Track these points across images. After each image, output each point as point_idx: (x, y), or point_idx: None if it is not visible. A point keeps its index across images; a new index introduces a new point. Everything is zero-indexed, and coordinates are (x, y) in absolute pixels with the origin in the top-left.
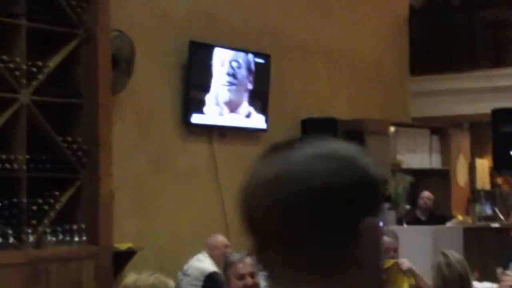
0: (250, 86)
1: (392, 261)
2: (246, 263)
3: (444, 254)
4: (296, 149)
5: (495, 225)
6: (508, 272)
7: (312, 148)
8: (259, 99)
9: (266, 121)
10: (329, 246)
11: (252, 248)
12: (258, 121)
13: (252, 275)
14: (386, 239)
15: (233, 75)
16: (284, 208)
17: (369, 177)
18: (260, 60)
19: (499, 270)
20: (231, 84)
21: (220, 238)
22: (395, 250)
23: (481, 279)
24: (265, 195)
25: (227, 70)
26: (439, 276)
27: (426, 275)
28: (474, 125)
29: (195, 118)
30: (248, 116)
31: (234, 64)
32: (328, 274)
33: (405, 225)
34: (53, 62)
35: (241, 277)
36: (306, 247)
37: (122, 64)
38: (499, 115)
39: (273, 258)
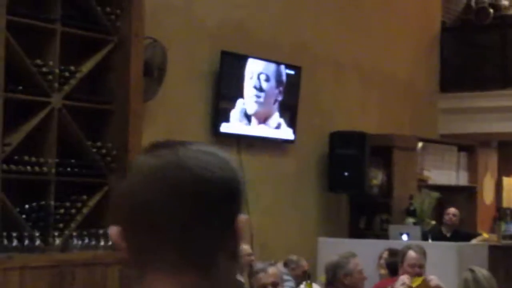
0: (279, 98)
1: (421, 278)
2: (268, 273)
3: (471, 270)
4: (180, 147)
5: None
6: None
7: (195, 146)
8: (288, 110)
9: (294, 132)
10: (210, 238)
11: (129, 246)
12: (286, 132)
13: (274, 284)
14: (413, 254)
15: (260, 87)
16: (170, 200)
17: (240, 180)
18: (291, 72)
19: None
20: (259, 95)
21: (244, 247)
22: (421, 266)
23: None
24: (151, 187)
25: (256, 81)
26: None
27: None
28: (502, 143)
29: (224, 128)
30: (277, 127)
31: (263, 76)
32: (205, 266)
33: (430, 241)
34: (86, 68)
35: (263, 287)
36: (186, 239)
37: (154, 71)
38: None
39: (151, 251)
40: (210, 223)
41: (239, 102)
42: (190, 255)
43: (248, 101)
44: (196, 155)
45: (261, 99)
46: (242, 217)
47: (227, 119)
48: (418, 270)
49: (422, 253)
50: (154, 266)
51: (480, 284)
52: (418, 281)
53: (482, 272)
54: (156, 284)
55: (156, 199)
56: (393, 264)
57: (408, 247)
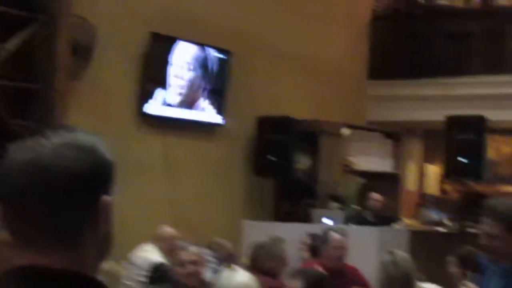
0: (209, 81)
1: None
2: (189, 251)
3: (390, 253)
4: (47, 137)
5: (442, 229)
6: (466, 282)
7: (60, 137)
8: (217, 94)
9: (222, 116)
10: (73, 220)
11: (5, 227)
12: (214, 116)
13: (194, 263)
14: (337, 236)
15: (192, 69)
16: (36, 188)
17: (106, 162)
18: (221, 56)
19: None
20: (189, 78)
21: (168, 230)
22: (345, 248)
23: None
24: (20, 177)
25: (186, 63)
26: (384, 274)
27: (371, 274)
28: (428, 132)
29: (150, 109)
30: (204, 110)
31: (194, 58)
32: (71, 243)
33: (353, 225)
34: (11, 46)
35: (182, 264)
36: (53, 221)
37: (83, 51)
38: (453, 122)
39: (21, 232)
40: (71, 206)
41: (167, 84)
42: (54, 235)
43: (176, 84)
44: (58, 144)
45: (190, 82)
46: (106, 198)
47: (154, 101)
48: (342, 252)
49: (345, 235)
50: (24, 245)
51: (399, 266)
52: None
53: (401, 254)
54: (26, 261)
55: (22, 186)
56: (315, 248)
57: (331, 230)
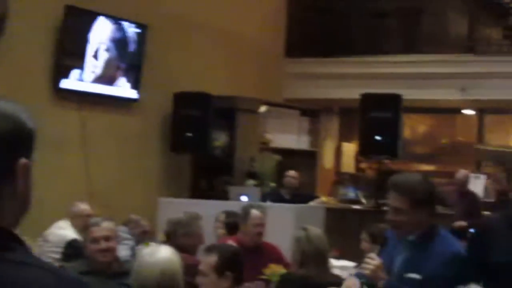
0: (125, 56)
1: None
2: (101, 227)
3: (304, 229)
4: None
5: (357, 207)
6: (371, 255)
7: None
8: (133, 69)
9: (138, 92)
10: None
11: None
12: (130, 91)
13: (107, 238)
14: (257, 213)
15: (107, 43)
16: None
17: (26, 128)
18: (138, 30)
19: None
20: (105, 52)
21: (83, 207)
22: (263, 225)
23: (340, 258)
24: None
25: (101, 38)
26: (298, 249)
27: (288, 251)
28: (344, 110)
29: (65, 84)
30: (120, 85)
31: (111, 33)
32: None
33: (269, 202)
34: None
35: (95, 240)
36: None
37: None
38: (368, 100)
39: None
40: None
41: (84, 59)
42: None
43: (91, 58)
44: None
45: (108, 55)
46: (24, 161)
47: (68, 76)
48: (261, 229)
49: (264, 212)
50: None
51: (312, 242)
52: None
53: (315, 231)
54: None
55: None
56: (231, 224)
57: (251, 206)
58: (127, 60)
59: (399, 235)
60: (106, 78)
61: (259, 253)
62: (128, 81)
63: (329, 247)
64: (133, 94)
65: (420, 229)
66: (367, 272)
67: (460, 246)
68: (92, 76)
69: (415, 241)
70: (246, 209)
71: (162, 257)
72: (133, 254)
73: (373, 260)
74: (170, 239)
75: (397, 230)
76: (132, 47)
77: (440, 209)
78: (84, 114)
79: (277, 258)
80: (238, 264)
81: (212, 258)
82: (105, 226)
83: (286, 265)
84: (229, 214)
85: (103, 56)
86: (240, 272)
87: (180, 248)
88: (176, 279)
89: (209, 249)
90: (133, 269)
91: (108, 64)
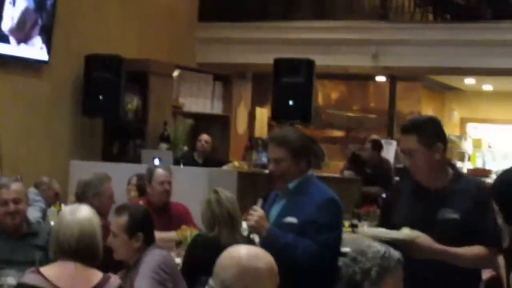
0: (35, 17)
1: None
2: (11, 189)
3: (215, 192)
4: None
5: (268, 172)
6: (254, 207)
7: None
8: (44, 31)
9: (49, 53)
10: None
11: None
12: (40, 53)
13: (16, 201)
14: (160, 171)
15: (19, 5)
16: None
17: None
18: None
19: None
20: (14, 13)
21: None
22: (169, 183)
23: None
24: None
25: None
26: (208, 212)
27: (199, 214)
28: (257, 75)
29: None
30: (33, 46)
31: None
32: None
33: (182, 166)
34: None
35: (4, 203)
36: None
37: None
38: (281, 65)
39: None
40: None
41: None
42: None
43: (2, 17)
44: None
45: (16, 18)
46: None
47: None
48: (167, 187)
49: (169, 170)
50: None
51: (222, 205)
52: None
53: (225, 193)
54: None
55: None
56: (143, 187)
57: (155, 167)
58: (41, 20)
59: (281, 185)
60: (17, 34)
61: (167, 212)
62: (40, 42)
63: (240, 211)
64: (43, 55)
65: (299, 177)
66: (251, 223)
67: (334, 193)
68: (3, 36)
69: (293, 188)
70: (151, 169)
71: (82, 216)
72: (44, 216)
73: (256, 212)
74: (80, 201)
75: (280, 181)
76: (44, 7)
77: (351, 174)
78: None
79: (186, 217)
80: (149, 224)
81: (123, 219)
82: (14, 189)
83: (194, 226)
84: (141, 177)
85: (12, 8)
86: (151, 232)
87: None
88: (95, 238)
89: (120, 210)
90: (53, 227)
91: (21, 21)
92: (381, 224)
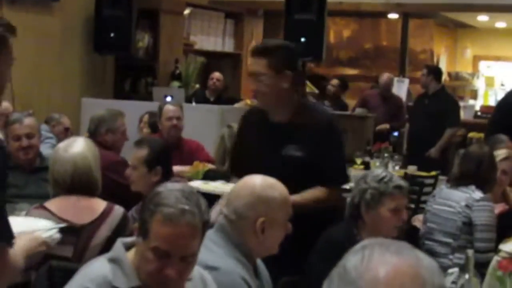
0: None
1: None
2: (24, 124)
3: (229, 126)
4: None
5: None
6: None
7: None
8: None
9: None
10: None
11: None
12: None
13: (29, 136)
14: (170, 107)
15: None
16: None
17: None
18: None
19: None
20: None
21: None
22: (178, 118)
23: None
24: None
25: None
26: (221, 146)
27: (212, 149)
28: (268, 12)
29: None
30: None
31: None
32: None
33: (194, 104)
34: None
35: (17, 138)
36: None
37: None
38: (292, 2)
39: None
40: None
41: None
42: None
43: None
44: None
45: None
46: None
47: None
48: (175, 122)
49: (179, 106)
50: None
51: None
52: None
53: None
54: None
55: None
56: (155, 124)
57: (165, 103)
58: None
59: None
60: None
61: (179, 149)
62: None
63: None
64: None
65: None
66: None
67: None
68: None
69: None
70: (161, 105)
71: (76, 151)
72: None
73: None
74: (93, 136)
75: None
76: None
77: (363, 112)
78: (5, 13)
79: (199, 154)
80: (167, 159)
81: (143, 151)
82: (27, 123)
83: (208, 161)
84: (152, 114)
85: None
86: (169, 167)
87: (103, 145)
88: (90, 172)
89: (139, 143)
90: (49, 164)
91: None
92: (234, 157)
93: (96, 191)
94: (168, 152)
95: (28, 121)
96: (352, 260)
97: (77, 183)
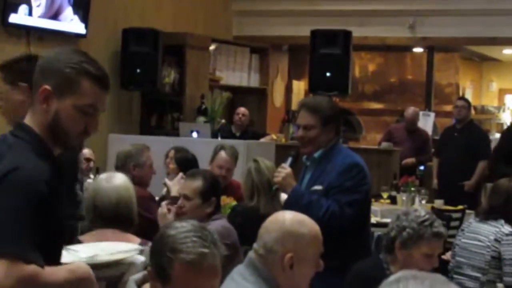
0: None
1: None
2: None
3: (255, 161)
4: None
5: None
6: (283, 165)
7: None
8: (81, 4)
9: (86, 27)
10: None
11: None
12: (78, 26)
13: None
14: (223, 156)
15: None
16: None
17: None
18: None
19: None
20: None
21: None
22: (229, 170)
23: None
24: None
25: None
26: (248, 180)
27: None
28: (293, 47)
29: (13, 19)
30: (69, 21)
31: None
32: None
33: (219, 139)
34: None
35: None
36: None
37: None
38: (318, 36)
39: None
40: None
41: None
42: None
43: None
44: None
45: None
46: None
47: (15, 11)
48: (224, 172)
49: (234, 157)
50: None
51: (262, 173)
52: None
53: (265, 162)
54: None
55: None
56: (181, 159)
57: (221, 147)
58: None
59: (307, 152)
60: (54, 11)
61: (226, 190)
62: (76, 15)
63: None
64: (81, 29)
65: (325, 146)
66: (278, 179)
67: (359, 158)
68: (41, 10)
69: (320, 157)
70: (216, 149)
71: (119, 182)
72: (81, 187)
73: (284, 169)
74: (122, 172)
75: (306, 148)
76: None
77: (389, 146)
78: (33, 50)
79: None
80: (220, 190)
81: (198, 183)
82: None
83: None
84: (178, 149)
85: None
86: (219, 199)
87: (132, 180)
88: (132, 205)
89: (193, 174)
90: (89, 195)
91: None
92: None
93: (133, 223)
94: (220, 184)
95: None
96: None
97: (120, 214)
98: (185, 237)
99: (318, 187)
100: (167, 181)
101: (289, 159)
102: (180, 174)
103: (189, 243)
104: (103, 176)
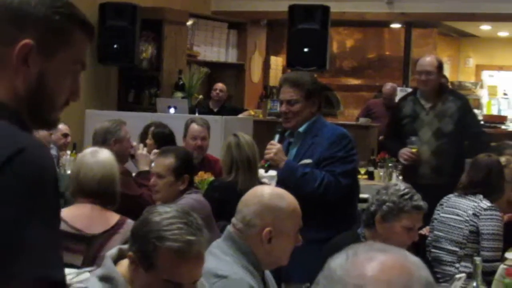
0: None
1: None
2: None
3: (235, 135)
4: None
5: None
6: (272, 141)
7: None
8: None
9: None
10: None
11: None
12: None
13: None
14: (195, 127)
15: None
16: None
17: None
18: None
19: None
20: None
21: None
22: (204, 138)
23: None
24: None
25: None
26: (228, 155)
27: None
28: (271, 22)
29: None
30: None
31: None
32: None
33: (197, 114)
34: None
35: None
36: None
37: None
38: (296, 11)
39: None
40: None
41: None
42: None
43: None
44: None
45: None
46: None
47: None
48: (200, 142)
49: (206, 126)
50: None
51: (242, 148)
52: None
53: (245, 137)
54: None
55: None
56: (159, 135)
57: (192, 120)
58: None
59: (291, 127)
60: None
61: (204, 167)
62: None
63: (258, 156)
64: None
65: (309, 120)
66: (270, 155)
67: (344, 130)
68: None
69: (303, 131)
70: (187, 123)
71: (103, 158)
72: (57, 163)
73: (274, 145)
74: (102, 147)
75: (290, 122)
76: None
77: (367, 121)
78: None
79: (216, 166)
80: (193, 167)
81: (170, 160)
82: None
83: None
84: (157, 125)
85: None
86: (193, 176)
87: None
88: (115, 182)
89: (165, 152)
90: (73, 168)
91: None
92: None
93: (115, 200)
94: (193, 161)
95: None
96: (336, 260)
97: (102, 190)
98: (170, 224)
99: (307, 161)
100: (138, 152)
101: (277, 136)
102: (154, 151)
103: (175, 230)
104: (88, 150)
